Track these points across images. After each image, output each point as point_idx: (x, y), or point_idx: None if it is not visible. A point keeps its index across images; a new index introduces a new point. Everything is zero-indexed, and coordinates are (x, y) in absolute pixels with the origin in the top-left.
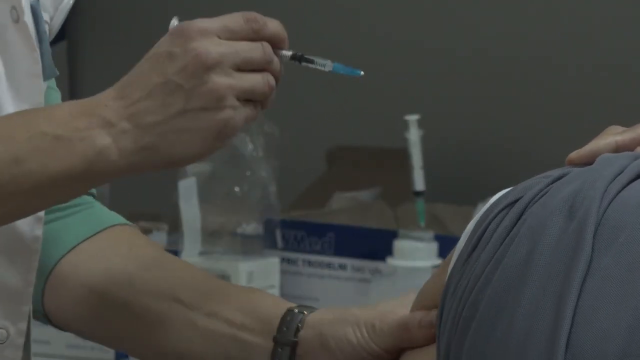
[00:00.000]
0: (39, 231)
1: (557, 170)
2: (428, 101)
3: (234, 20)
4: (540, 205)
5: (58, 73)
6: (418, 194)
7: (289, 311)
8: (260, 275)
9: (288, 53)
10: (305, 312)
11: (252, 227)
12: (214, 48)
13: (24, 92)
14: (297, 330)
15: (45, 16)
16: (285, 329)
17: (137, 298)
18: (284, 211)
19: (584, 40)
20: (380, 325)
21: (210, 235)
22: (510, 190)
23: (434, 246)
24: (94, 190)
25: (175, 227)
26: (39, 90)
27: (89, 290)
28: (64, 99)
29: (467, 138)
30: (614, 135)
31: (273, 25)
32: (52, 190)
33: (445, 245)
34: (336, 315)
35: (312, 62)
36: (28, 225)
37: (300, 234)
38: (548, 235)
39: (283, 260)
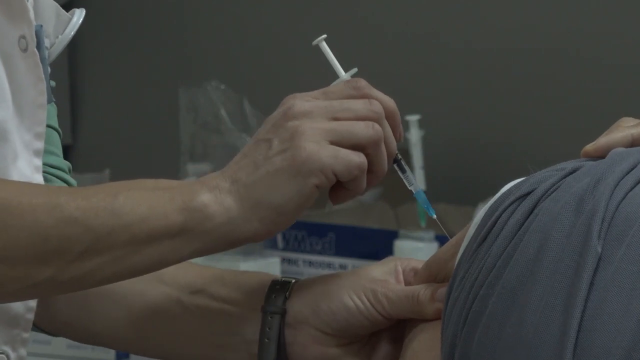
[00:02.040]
0: None
1: (571, 163)
2: (428, 101)
3: (335, 85)
4: (552, 200)
5: (53, 104)
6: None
7: (275, 281)
8: None
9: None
10: (292, 281)
11: None
12: (305, 102)
13: (27, 122)
14: (285, 298)
15: (46, 42)
16: (273, 296)
17: (120, 283)
18: None
19: (584, 40)
20: (384, 293)
21: None
22: (522, 181)
23: (434, 246)
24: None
25: None
26: (42, 120)
27: None
28: (64, 107)
29: (467, 138)
30: (629, 128)
31: (381, 94)
32: (150, 247)
33: None
34: (327, 281)
35: (403, 171)
36: None
37: (301, 234)
38: (558, 230)
39: (284, 260)
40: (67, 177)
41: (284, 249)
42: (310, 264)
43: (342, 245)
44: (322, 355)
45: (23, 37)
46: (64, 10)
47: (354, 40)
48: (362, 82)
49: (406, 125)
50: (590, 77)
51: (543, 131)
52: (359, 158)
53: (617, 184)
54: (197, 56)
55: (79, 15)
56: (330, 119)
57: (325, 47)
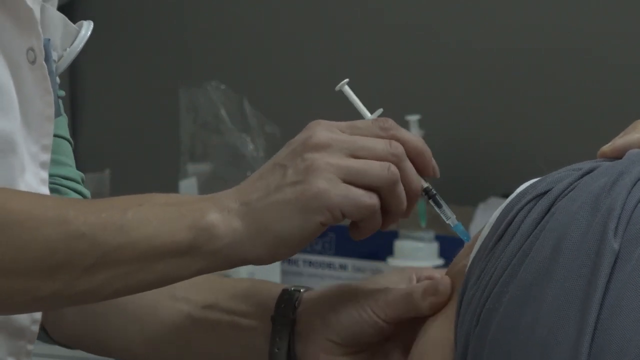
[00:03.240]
0: None
1: (588, 163)
2: (428, 101)
3: (363, 122)
4: (569, 200)
5: (63, 114)
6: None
7: (285, 290)
8: (261, 275)
9: (424, 184)
10: (302, 290)
11: None
12: (327, 134)
13: (34, 134)
14: (295, 308)
15: (54, 55)
16: (283, 306)
17: (132, 298)
18: None
19: (585, 40)
20: (384, 299)
21: None
22: (539, 180)
23: (434, 246)
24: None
25: None
26: (48, 133)
27: None
28: (64, 108)
29: (467, 138)
30: None
31: (409, 134)
32: (157, 264)
33: (445, 245)
34: (334, 291)
35: (439, 206)
36: None
37: None
38: (575, 229)
39: (284, 260)
40: (81, 187)
41: None
42: (310, 264)
43: (342, 245)
44: None
45: (31, 49)
46: (71, 23)
47: (354, 40)
48: (390, 123)
49: (406, 126)
50: (591, 77)
51: (543, 131)
52: (370, 199)
53: (635, 184)
54: (197, 56)
55: (87, 28)
56: (348, 156)
57: (348, 91)
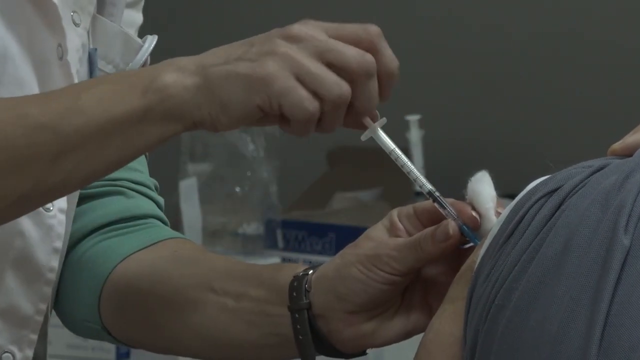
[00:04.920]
0: (55, 262)
1: (598, 161)
2: (428, 101)
3: (352, 25)
4: (580, 197)
5: None
6: (419, 194)
7: (295, 277)
8: None
9: (428, 187)
10: (310, 272)
11: (253, 227)
12: (306, 29)
13: None
14: (307, 292)
15: (108, 67)
16: (294, 294)
17: (178, 292)
18: (285, 211)
19: (584, 40)
20: (387, 254)
21: (211, 236)
22: (550, 177)
23: None
24: (162, 215)
25: (176, 227)
26: None
27: (136, 292)
28: None
29: (467, 138)
30: None
31: (388, 52)
32: (117, 136)
33: None
34: (337, 263)
35: (444, 207)
36: (46, 255)
37: (301, 234)
38: (585, 226)
39: (284, 260)
40: (153, 194)
41: (284, 249)
42: (311, 264)
43: (342, 245)
44: (359, 335)
45: (60, 45)
46: (135, 38)
47: None
48: (375, 33)
49: (406, 125)
50: (591, 78)
51: (543, 131)
52: (310, 106)
53: None
54: (191, 46)
55: (150, 42)
56: (315, 56)
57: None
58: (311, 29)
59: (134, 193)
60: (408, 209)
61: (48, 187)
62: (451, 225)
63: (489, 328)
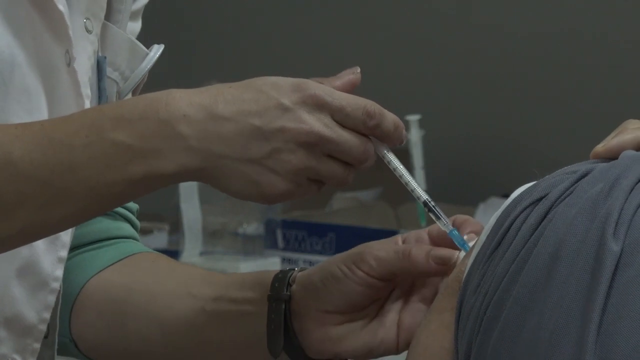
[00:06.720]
0: (60, 271)
1: (583, 165)
2: (428, 101)
3: (355, 107)
4: (567, 205)
5: None
6: None
7: (281, 271)
8: None
9: (423, 197)
10: (296, 269)
11: (253, 227)
12: (320, 128)
13: None
14: (289, 285)
15: (114, 74)
16: (277, 284)
17: (155, 298)
18: (285, 211)
19: (584, 40)
20: (371, 253)
21: (211, 236)
22: (534, 185)
23: None
24: (135, 233)
25: (176, 227)
26: None
27: (112, 301)
28: None
29: (468, 138)
30: (637, 130)
31: (388, 123)
32: (109, 199)
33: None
34: (324, 263)
35: (438, 217)
36: (51, 265)
37: (301, 234)
38: (573, 235)
39: (284, 260)
40: (133, 217)
41: (284, 249)
42: (311, 264)
43: (342, 245)
44: (326, 338)
45: (68, 52)
46: (141, 46)
47: (355, 40)
48: (376, 114)
49: (406, 125)
50: (591, 78)
51: (543, 131)
52: (314, 191)
53: (633, 188)
54: (197, 56)
55: (156, 50)
56: (326, 156)
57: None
58: (321, 123)
59: (118, 216)
60: (415, 234)
61: (39, 228)
62: (459, 257)
63: (481, 340)
